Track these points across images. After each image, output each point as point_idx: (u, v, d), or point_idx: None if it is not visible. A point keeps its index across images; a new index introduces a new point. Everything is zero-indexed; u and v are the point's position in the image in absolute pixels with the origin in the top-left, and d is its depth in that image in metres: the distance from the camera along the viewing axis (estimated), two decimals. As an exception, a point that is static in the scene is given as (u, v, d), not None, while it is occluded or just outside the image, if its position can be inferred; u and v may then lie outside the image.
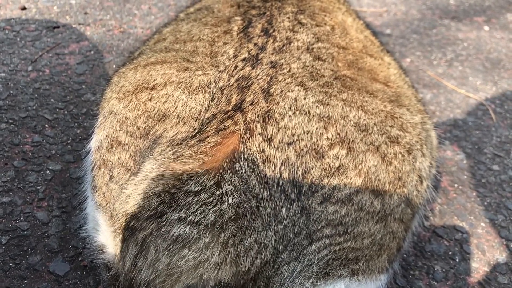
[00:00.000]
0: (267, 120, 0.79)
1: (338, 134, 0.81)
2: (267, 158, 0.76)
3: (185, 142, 0.79)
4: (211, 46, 0.95)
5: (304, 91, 0.85)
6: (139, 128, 0.83)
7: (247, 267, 0.74)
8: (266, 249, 0.75)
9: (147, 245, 0.72)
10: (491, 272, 1.12)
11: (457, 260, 1.14)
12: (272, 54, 0.91)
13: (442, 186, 1.34)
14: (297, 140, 0.78)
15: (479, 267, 1.12)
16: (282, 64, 0.89)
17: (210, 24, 1.02)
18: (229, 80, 0.86)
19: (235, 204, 0.72)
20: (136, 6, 2.06)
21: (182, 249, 0.71)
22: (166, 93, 0.84)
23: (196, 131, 0.80)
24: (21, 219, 1.08)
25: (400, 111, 0.91)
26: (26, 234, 1.05)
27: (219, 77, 0.86)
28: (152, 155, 0.80)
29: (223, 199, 0.72)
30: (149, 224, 0.72)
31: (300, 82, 0.86)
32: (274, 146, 0.77)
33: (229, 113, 0.81)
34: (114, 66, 1.63)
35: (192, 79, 0.86)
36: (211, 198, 0.71)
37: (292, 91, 0.84)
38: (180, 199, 0.71)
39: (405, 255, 1.12)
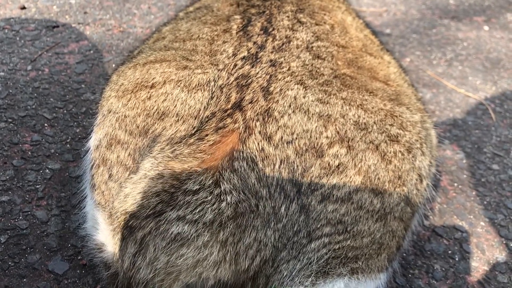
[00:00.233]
0: (266, 119, 0.79)
1: (338, 132, 0.81)
2: (266, 157, 0.76)
3: (184, 140, 0.79)
4: (211, 44, 0.95)
5: (304, 89, 0.85)
6: (138, 127, 0.83)
7: (246, 266, 0.74)
8: (265, 248, 0.74)
9: (146, 244, 0.72)
10: (491, 271, 1.12)
11: (457, 259, 1.13)
12: (272, 52, 0.91)
13: (441, 185, 1.33)
14: (296, 138, 0.78)
15: (478, 266, 1.12)
16: (282, 62, 0.89)
17: (209, 23, 1.02)
18: (228, 78, 0.86)
19: (233, 203, 0.72)
20: (136, 6, 2.06)
21: (181, 248, 0.71)
22: (165, 92, 0.84)
23: (195, 129, 0.80)
24: (20, 218, 1.07)
25: (399, 109, 0.91)
26: (25, 233, 1.05)
27: (218, 76, 0.86)
28: (151, 153, 0.80)
29: (222, 197, 0.71)
30: (148, 223, 0.71)
31: (300, 80, 0.86)
32: (274, 145, 0.77)
33: (229, 112, 0.81)
34: (113, 66, 1.62)
35: (191, 77, 0.86)
36: (210, 197, 0.71)
37: (291, 89, 0.84)
38: (178, 198, 0.71)
39: (404, 254, 1.12)
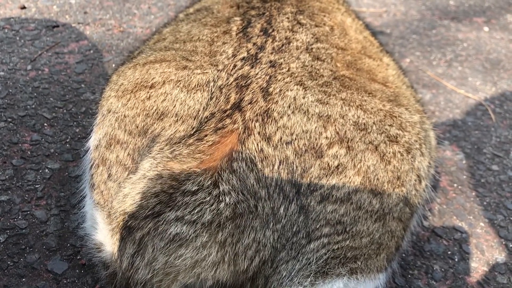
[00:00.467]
0: (265, 119, 0.79)
1: (337, 133, 0.81)
2: (265, 157, 0.76)
3: (183, 140, 0.79)
4: (210, 46, 0.95)
5: (303, 90, 0.85)
6: (137, 127, 0.83)
7: (245, 267, 0.74)
8: (264, 248, 0.75)
9: (144, 244, 0.72)
10: (490, 272, 1.12)
11: (456, 259, 1.13)
12: (271, 53, 0.91)
13: (441, 186, 1.34)
14: (296, 139, 0.78)
15: (478, 267, 1.12)
16: (281, 63, 0.89)
17: (209, 25, 1.02)
18: (228, 79, 0.86)
19: (232, 204, 0.72)
20: (136, 6, 2.06)
21: (179, 248, 0.71)
22: (165, 92, 0.84)
23: (194, 129, 0.80)
24: (19, 217, 1.07)
25: (399, 110, 0.91)
26: (24, 232, 1.05)
27: (218, 76, 0.86)
28: (150, 153, 0.80)
29: (221, 198, 0.71)
30: (146, 224, 0.72)
31: (299, 81, 0.86)
32: (273, 145, 0.77)
33: (228, 112, 0.81)
34: (113, 65, 1.62)
35: (190, 77, 0.86)
36: (208, 198, 0.71)
37: (291, 90, 0.84)
38: (177, 199, 0.71)
39: (404, 255, 1.12)
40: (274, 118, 0.80)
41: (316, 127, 0.80)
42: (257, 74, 0.86)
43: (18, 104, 1.38)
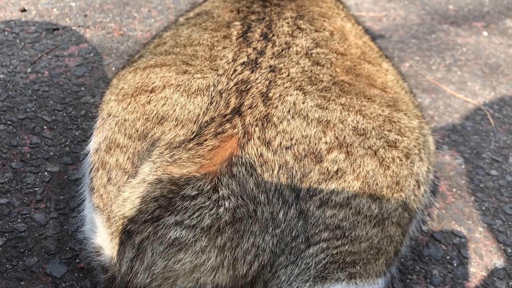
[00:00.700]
0: (265, 124, 0.79)
1: (337, 138, 0.81)
2: (265, 162, 0.76)
3: (183, 145, 0.79)
4: (211, 50, 0.95)
5: (303, 95, 0.85)
6: (137, 131, 0.83)
7: (244, 271, 0.74)
8: (263, 253, 0.75)
9: (143, 248, 0.72)
10: (489, 277, 1.12)
11: (455, 264, 1.14)
12: (271, 58, 0.92)
13: (440, 190, 1.34)
14: (295, 144, 0.78)
15: (476, 272, 1.12)
16: (281, 68, 0.90)
17: (209, 29, 1.03)
18: (228, 83, 0.86)
19: (232, 208, 0.72)
20: (136, 9, 2.06)
21: (178, 253, 0.71)
22: (165, 96, 0.84)
23: (194, 134, 0.80)
24: (18, 220, 1.07)
25: (398, 115, 0.91)
26: (23, 235, 1.05)
27: (218, 81, 0.87)
28: (150, 157, 0.80)
29: (220, 203, 0.72)
30: (146, 228, 0.72)
31: (299, 86, 0.87)
32: (272, 150, 0.77)
33: (228, 117, 0.81)
34: (113, 69, 1.63)
35: (191, 82, 0.86)
36: (208, 202, 0.71)
37: (290, 95, 0.84)
38: (177, 204, 0.71)
39: (402, 259, 1.12)
40: (274, 123, 0.80)
41: (315, 132, 0.80)
42: (257, 79, 0.87)
43: (17, 106, 1.39)
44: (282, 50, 0.94)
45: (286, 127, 0.80)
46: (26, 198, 1.13)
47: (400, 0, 2.60)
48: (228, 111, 0.82)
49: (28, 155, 1.23)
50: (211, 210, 0.71)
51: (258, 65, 0.90)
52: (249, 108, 0.81)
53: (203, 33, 1.02)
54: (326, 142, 0.80)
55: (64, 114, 1.39)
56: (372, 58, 1.09)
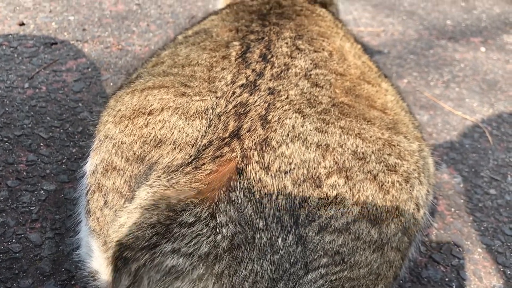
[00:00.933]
0: (264, 148, 0.79)
1: (336, 162, 0.80)
2: (263, 187, 0.75)
3: (181, 169, 0.78)
4: (209, 71, 0.95)
5: (302, 118, 0.84)
6: (134, 154, 0.82)
7: (242, 298, 0.73)
8: (261, 280, 0.74)
9: (140, 276, 0.71)
10: (488, 300, 1.11)
11: (454, 286, 1.13)
12: (270, 80, 0.91)
13: (439, 210, 1.33)
14: (294, 168, 0.78)
15: (476, 295, 1.12)
16: (280, 90, 0.89)
17: (208, 49, 1.02)
18: (226, 106, 0.85)
19: (230, 235, 0.71)
20: (135, 23, 2.06)
21: (176, 281, 0.70)
22: (163, 119, 0.84)
23: (192, 157, 0.79)
24: (13, 240, 1.06)
25: (397, 138, 0.91)
26: (18, 256, 1.03)
27: (216, 103, 0.86)
28: (147, 181, 0.79)
29: (218, 230, 0.71)
30: (142, 255, 0.70)
31: (298, 109, 0.86)
32: (271, 175, 0.76)
33: (226, 140, 0.80)
34: (111, 84, 1.62)
35: (189, 104, 0.86)
36: (205, 230, 0.70)
37: (289, 118, 0.84)
38: (174, 231, 0.70)
39: (401, 281, 1.11)
40: (273, 147, 0.79)
41: (314, 156, 0.79)
42: (255, 101, 0.86)
43: (14, 123, 1.38)
44: (281, 72, 0.94)
45: (285, 151, 0.79)
46: (21, 218, 1.11)
47: (398, 15, 2.61)
48: (227, 134, 0.81)
49: (24, 173, 1.22)
50: (209, 237, 0.70)
51: (257, 87, 0.89)
52: (247, 132, 0.81)
53: (202, 53, 1.02)
54: (325, 167, 0.79)
55: (61, 130, 1.38)
56: (372, 78, 1.09)
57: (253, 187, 0.75)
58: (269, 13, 1.23)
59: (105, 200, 0.84)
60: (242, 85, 0.90)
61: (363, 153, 0.83)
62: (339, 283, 0.79)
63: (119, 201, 0.82)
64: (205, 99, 0.87)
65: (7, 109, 1.42)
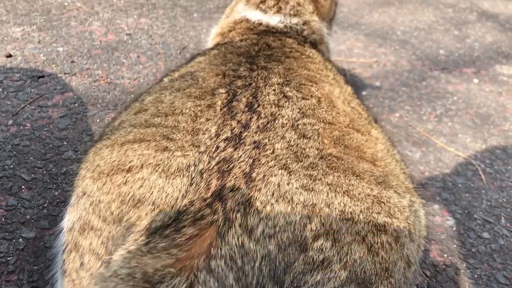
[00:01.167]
0: (247, 209, 0.75)
1: (323, 224, 0.77)
2: (246, 253, 0.72)
3: (159, 231, 0.74)
4: (193, 122, 0.92)
5: (288, 175, 0.81)
6: (112, 214, 0.79)
7: None
8: None
9: None
10: None
11: None
12: (256, 132, 0.88)
13: (431, 256, 1.29)
14: (279, 232, 0.74)
15: None
16: (266, 144, 0.86)
17: (193, 96, 0.99)
18: (209, 162, 0.82)
19: (209, 309, 0.67)
20: (125, 54, 2.04)
21: None
22: (142, 177, 0.80)
23: (171, 219, 0.75)
24: (-12, 294, 1.02)
25: (387, 194, 0.88)
26: (-8, 312, 0.99)
27: (199, 159, 0.83)
28: (124, 244, 0.75)
29: (197, 304, 0.67)
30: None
31: (284, 164, 0.83)
32: (255, 239, 0.73)
33: (208, 201, 0.77)
34: (97, 120, 1.59)
35: (170, 161, 0.82)
36: (183, 305, 0.66)
37: (275, 175, 0.80)
38: (149, 307, 0.67)
39: (393, 336, 1.07)
40: (257, 208, 0.76)
41: (300, 218, 0.76)
42: (240, 157, 0.83)
43: (-4, 163, 1.34)
44: (268, 123, 0.91)
45: (270, 212, 0.76)
46: (-3, 268, 1.07)
47: (391, 45, 2.61)
48: (209, 194, 0.77)
49: (3, 219, 1.18)
50: (187, 312, 0.66)
51: (242, 141, 0.86)
52: (230, 191, 0.77)
53: (187, 101, 0.99)
54: (311, 229, 0.76)
55: (44, 171, 1.34)
56: (361, 126, 1.06)
57: (235, 253, 0.71)
58: (257, 55, 1.21)
59: (81, 261, 0.80)
60: (227, 138, 0.87)
61: (351, 213, 0.80)
62: None
63: (96, 263, 0.78)
64: (187, 155, 0.83)
65: (-11, 148, 1.39)
